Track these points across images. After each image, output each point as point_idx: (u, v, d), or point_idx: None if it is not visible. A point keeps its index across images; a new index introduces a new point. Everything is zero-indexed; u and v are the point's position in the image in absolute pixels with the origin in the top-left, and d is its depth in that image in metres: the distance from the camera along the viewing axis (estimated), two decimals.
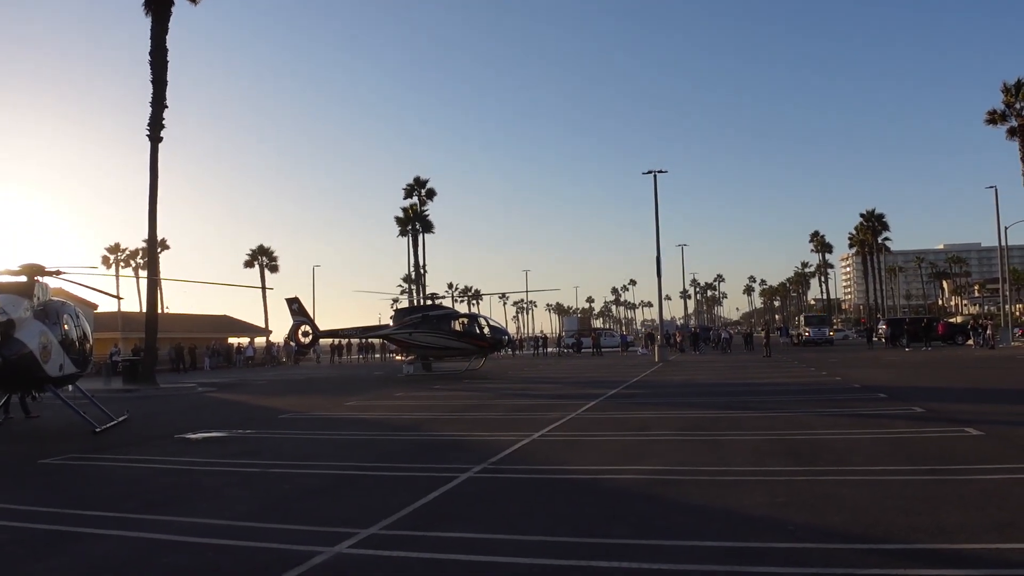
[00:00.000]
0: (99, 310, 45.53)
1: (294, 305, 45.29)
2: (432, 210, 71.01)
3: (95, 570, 6.68)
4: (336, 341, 69.74)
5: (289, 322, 44.35)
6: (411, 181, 70.55)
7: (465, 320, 43.46)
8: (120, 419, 18.01)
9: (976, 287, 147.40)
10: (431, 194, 70.70)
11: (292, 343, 46.69)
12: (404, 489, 9.56)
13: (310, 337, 45.33)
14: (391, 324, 44.33)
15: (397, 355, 64.91)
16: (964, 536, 6.68)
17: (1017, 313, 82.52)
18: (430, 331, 41.19)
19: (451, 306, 57.30)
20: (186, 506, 9.08)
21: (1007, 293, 65.64)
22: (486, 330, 42.72)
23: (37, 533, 7.97)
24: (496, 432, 14.99)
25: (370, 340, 69.19)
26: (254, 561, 6.76)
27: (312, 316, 45.68)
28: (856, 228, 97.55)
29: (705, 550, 6.61)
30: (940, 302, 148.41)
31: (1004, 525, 7.01)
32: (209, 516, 8.37)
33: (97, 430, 16.35)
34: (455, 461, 11.53)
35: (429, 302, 47.19)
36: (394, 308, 47.00)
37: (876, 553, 6.29)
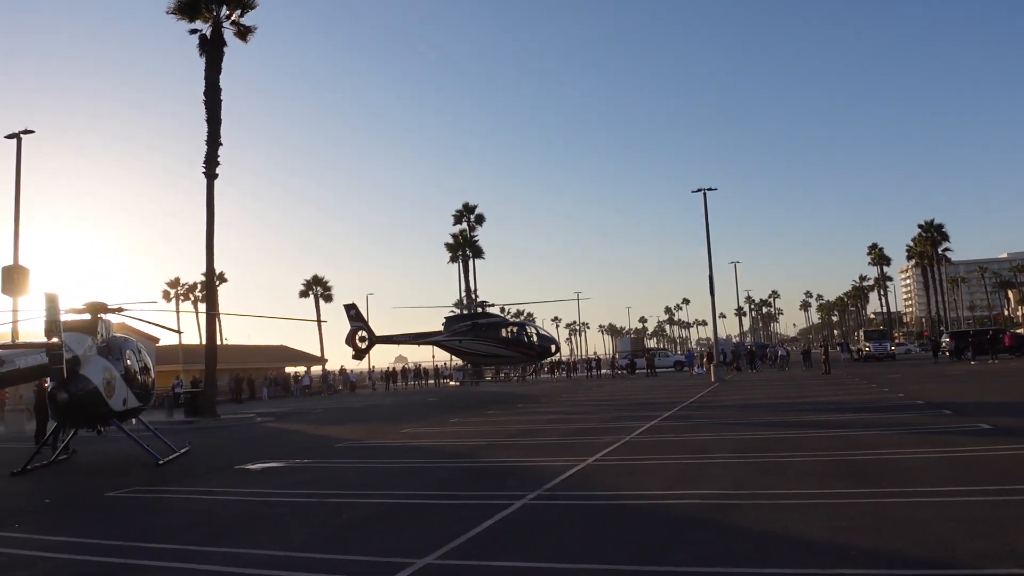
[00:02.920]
0: (160, 343, 46.68)
1: (352, 311, 46.01)
2: (481, 235, 71.30)
3: None
4: (391, 368, 70.46)
5: (346, 329, 44.98)
6: (460, 207, 71.10)
7: (514, 329, 43.58)
8: (182, 451, 18.39)
9: None
10: (480, 220, 71.02)
11: (349, 346, 47.25)
12: (459, 518, 9.57)
13: (367, 342, 45.89)
14: (442, 332, 44.67)
15: (451, 381, 65.23)
16: None
17: None
18: (479, 339, 41.41)
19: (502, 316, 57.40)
20: (246, 538, 9.22)
21: None
22: (535, 338, 42.82)
23: (101, 567, 8.16)
24: (551, 457, 14.94)
25: (424, 367, 69.73)
26: None
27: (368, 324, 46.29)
28: (914, 239, 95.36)
29: None
30: (1006, 312, 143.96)
31: None
32: (268, 548, 8.49)
33: (160, 462, 16.71)
34: (509, 488, 11.52)
35: (479, 311, 47.45)
36: (445, 317, 47.45)
37: None
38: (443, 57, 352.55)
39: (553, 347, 45.86)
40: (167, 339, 48.69)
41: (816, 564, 6.73)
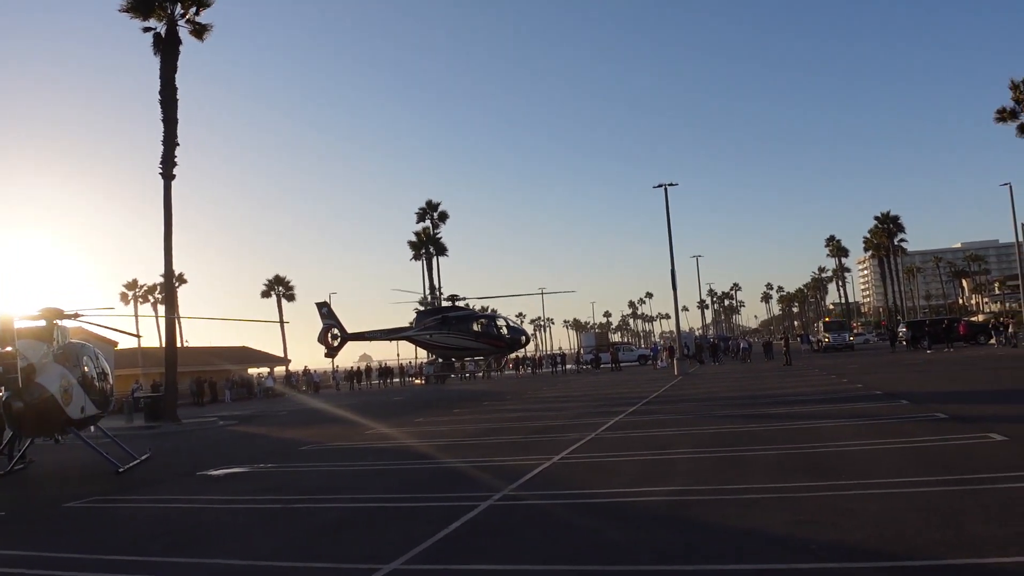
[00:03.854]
0: (119, 347, 45.91)
1: (323, 309, 45.76)
2: (445, 232, 71.16)
3: None
4: (355, 367, 70.07)
5: (312, 328, 45.09)
6: (423, 205, 70.87)
7: (484, 321, 43.74)
8: (142, 458, 18.09)
9: (996, 284, 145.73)
10: (443, 217, 70.92)
11: (321, 344, 46.99)
12: (425, 520, 9.55)
13: (339, 340, 45.77)
14: (412, 326, 44.62)
15: (416, 379, 65.01)
16: (991, 549, 6.58)
17: None
18: (450, 332, 41.50)
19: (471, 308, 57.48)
20: (210, 547, 9.11)
21: None
22: (504, 331, 43.01)
23: None
24: (516, 456, 14.96)
25: (389, 365, 69.48)
26: None
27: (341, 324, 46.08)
28: (871, 231, 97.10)
29: (729, 574, 6.57)
30: (961, 301, 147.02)
31: None
32: (233, 556, 8.40)
33: (120, 470, 16.45)
34: (475, 489, 11.53)
35: (449, 304, 47.41)
36: (415, 311, 47.07)
37: (901, 571, 6.23)
38: (404, 55, 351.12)
39: (523, 338, 46.12)
40: (126, 342, 47.94)
41: (778, 559, 6.81)
